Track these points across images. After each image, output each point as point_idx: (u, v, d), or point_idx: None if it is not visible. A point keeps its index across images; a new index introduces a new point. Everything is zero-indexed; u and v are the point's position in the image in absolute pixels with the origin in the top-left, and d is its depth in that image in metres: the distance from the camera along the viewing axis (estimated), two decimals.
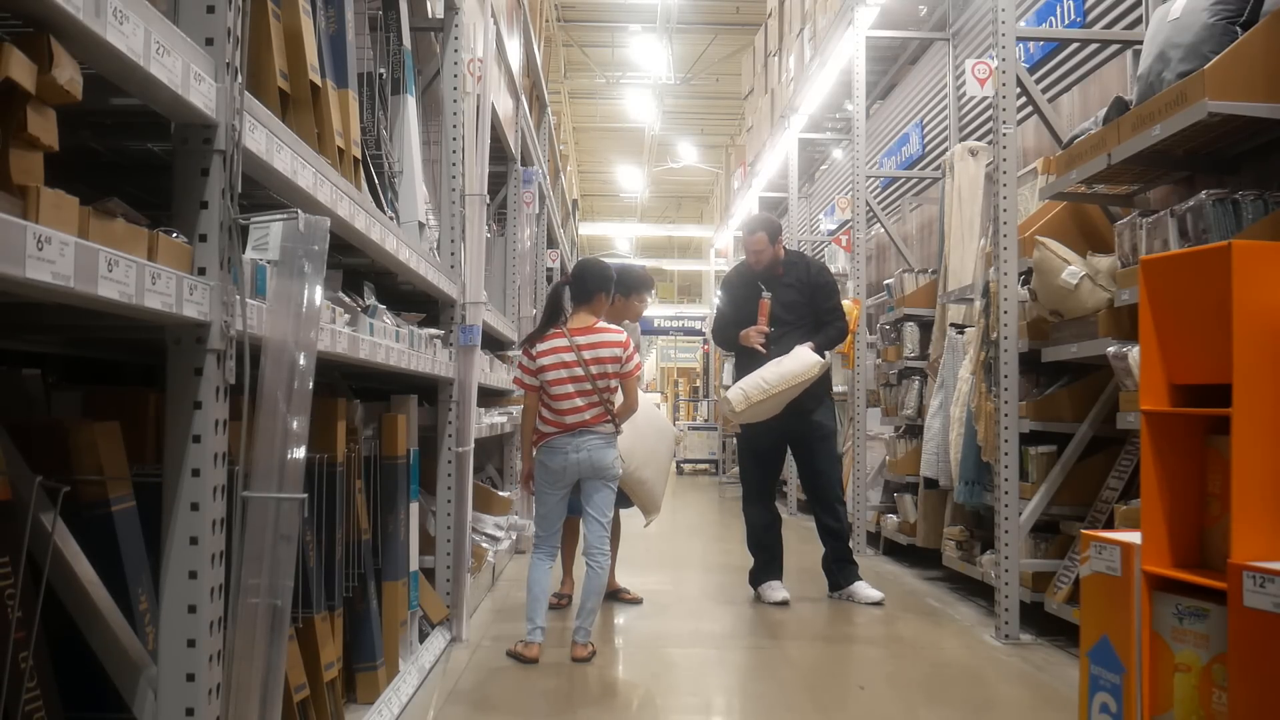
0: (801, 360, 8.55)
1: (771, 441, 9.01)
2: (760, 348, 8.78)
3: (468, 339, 7.19)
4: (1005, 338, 7.32)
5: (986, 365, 7.63)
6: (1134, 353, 5.92)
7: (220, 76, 3.12)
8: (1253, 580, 3.53)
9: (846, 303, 12.29)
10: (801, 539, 12.11)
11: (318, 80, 4.26)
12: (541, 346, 6.95)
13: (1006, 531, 7.27)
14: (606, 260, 7.72)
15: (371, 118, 5.58)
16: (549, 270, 15.40)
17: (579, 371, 6.87)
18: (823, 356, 8.71)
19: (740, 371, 8.91)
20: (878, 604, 8.63)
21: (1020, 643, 7.24)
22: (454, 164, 7.14)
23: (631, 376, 7.02)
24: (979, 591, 9.02)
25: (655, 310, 41.29)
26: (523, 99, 11.73)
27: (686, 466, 27.14)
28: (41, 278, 2.29)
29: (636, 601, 8.72)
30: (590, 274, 7.19)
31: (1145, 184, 6.99)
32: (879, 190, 15.16)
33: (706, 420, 27.80)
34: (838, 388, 13.14)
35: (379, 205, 5.32)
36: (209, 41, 3.12)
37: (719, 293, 9.67)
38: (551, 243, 16.45)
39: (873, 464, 11.95)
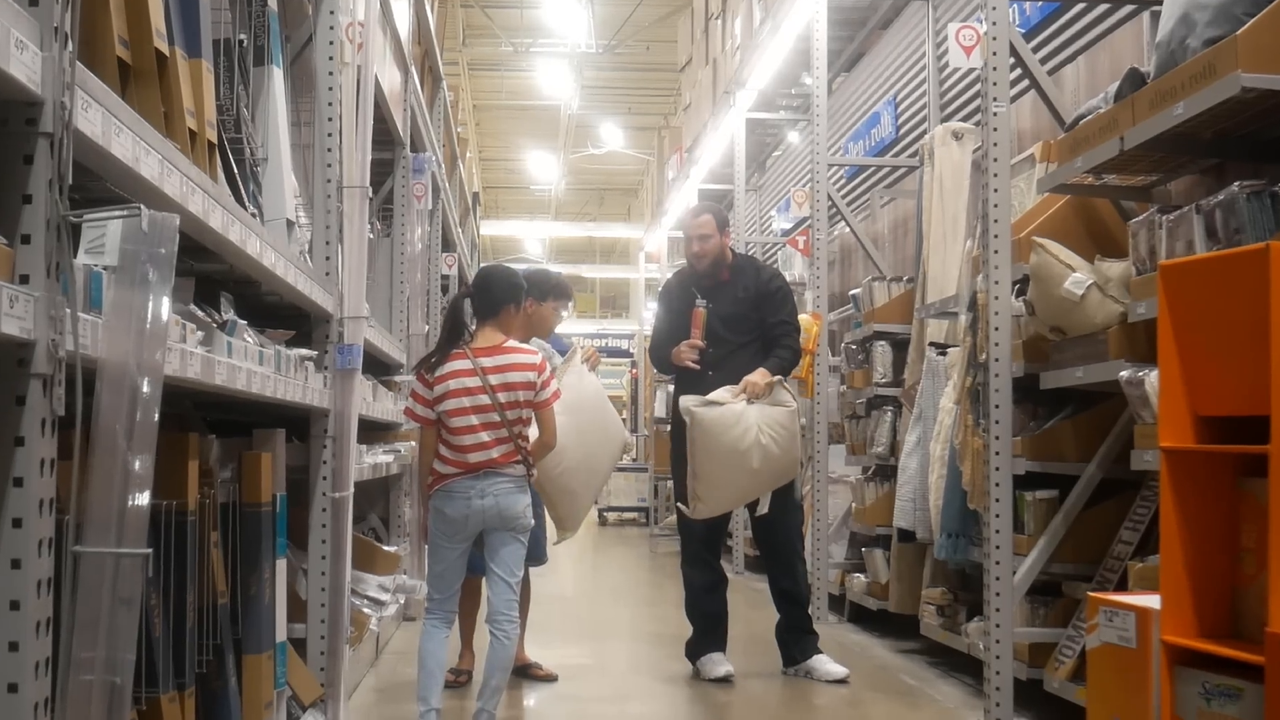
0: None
1: None
2: (692, 365, 8.79)
3: (346, 361, 7.17)
4: (996, 360, 7.35)
5: (973, 393, 7.67)
6: (1152, 377, 5.96)
7: (47, 44, 3.10)
8: None
9: (805, 317, 12.34)
10: (751, 603, 12.13)
11: (164, 48, 4.24)
12: (440, 370, 6.92)
13: (998, 594, 7.30)
14: (515, 267, 7.73)
15: (230, 94, 5.56)
16: (444, 278, 15.37)
17: (484, 400, 6.85)
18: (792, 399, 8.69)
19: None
20: (842, 682, 8.65)
21: None
22: (330, 149, 7.12)
23: (548, 406, 7.01)
24: (964, 666, 9.05)
25: (573, 326, 41.29)
26: (413, 71, 11.72)
27: (611, 515, 27.08)
28: None
29: (550, 679, 8.70)
30: (497, 283, 7.18)
31: (1165, 174, 7.04)
32: (843, 181, 15.24)
33: (635, 460, 27.71)
34: None
35: (239, 200, 5.30)
36: (33, 2, 3.11)
37: (655, 305, 9.69)
38: (448, 245, 16.42)
39: (835, 512, 11.97)
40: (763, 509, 8.56)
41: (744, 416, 8.31)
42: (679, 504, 8.69)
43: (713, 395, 8.36)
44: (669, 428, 9.81)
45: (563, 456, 7.66)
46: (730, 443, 8.29)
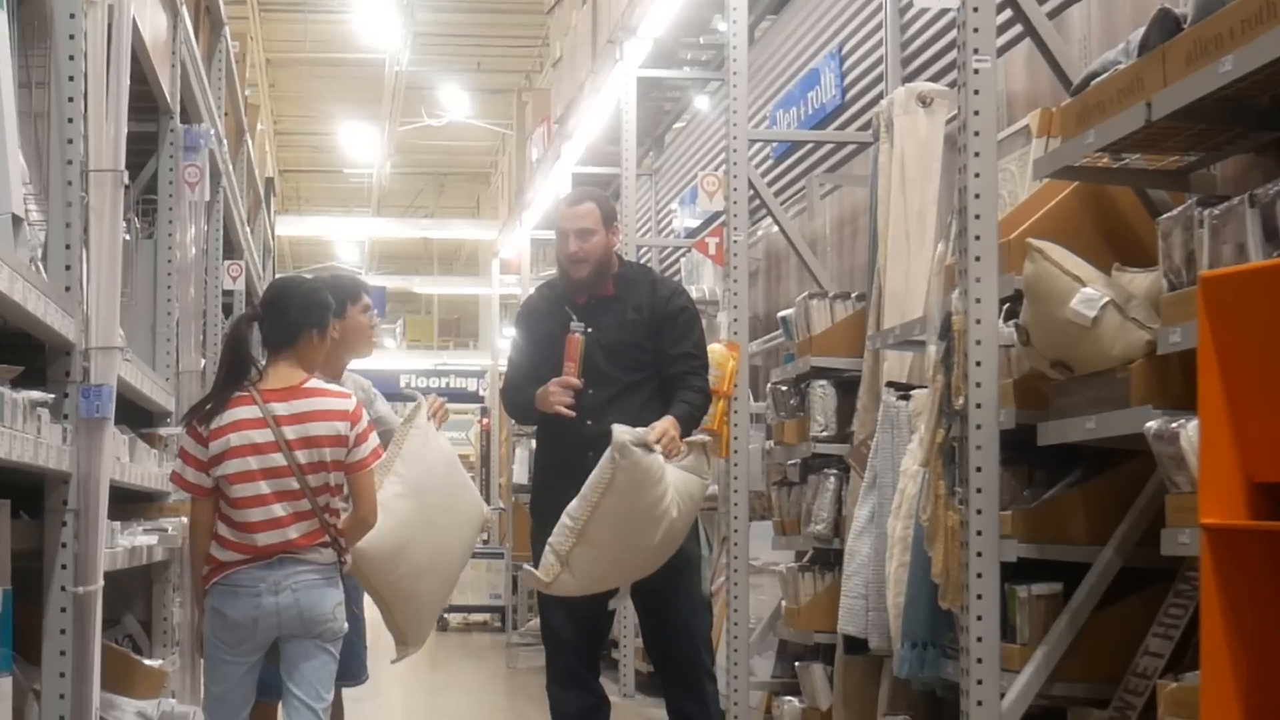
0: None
1: None
2: (565, 411, 8.43)
3: (94, 408, 7.12)
4: (977, 405, 7.38)
5: (946, 451, 7.69)
6: (1190, 430, 5.99)
7: None
8: None
9: (717, 348, 12.35)
10: None
11: None
12: (219, 421, 6.87)
13: None
14: (316, 279, 7.67)
15: None
16: (227, 295, 15.32)
17: (278, 461, 6.81)
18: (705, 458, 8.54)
19: (546, 459, 8.80)
20: None
21: None
22: (71, 119, 7.07)
23: (365, 468, 6.95)
24: None
25: (405, 360, 41.28)
26: (184, 13, 11.66)
27: (453, 618, 27.02)
28: None
29: None
30: (294, 301, 7.12)
31: (1208, 153, 7.09)
32: (770, 163, 15.29)
33: (486, 542, 27.66)
34: None
35: None
36: None
37: (513, 332, 9.58)
38: (231, 249, 16.34)
39: (759, 614, 11.99)
40: (617, 602, 8.33)
41: (666, 475, 7.92)
42: (530, 568, 8.31)
43: (644, 433, 7.86)
44: (529, 498, 9.71)
45: (404, 556, 7.57)
46: (648, 502, 7.88)
